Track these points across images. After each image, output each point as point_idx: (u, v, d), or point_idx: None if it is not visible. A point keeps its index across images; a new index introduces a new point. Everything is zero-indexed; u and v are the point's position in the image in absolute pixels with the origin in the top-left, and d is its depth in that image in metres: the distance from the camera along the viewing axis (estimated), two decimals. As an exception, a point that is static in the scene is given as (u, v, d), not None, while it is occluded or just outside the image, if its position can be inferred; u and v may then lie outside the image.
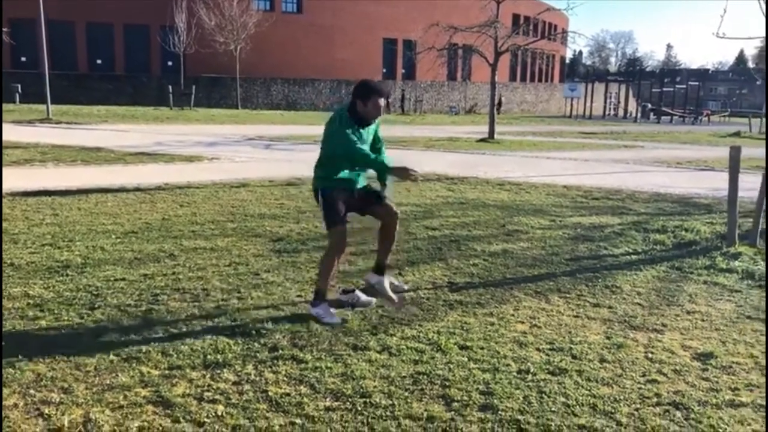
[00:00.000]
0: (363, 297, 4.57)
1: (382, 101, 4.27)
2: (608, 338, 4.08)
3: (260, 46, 39.53)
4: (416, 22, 29.22)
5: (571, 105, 49.60)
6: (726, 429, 3.01)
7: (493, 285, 5.17)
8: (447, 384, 3.35)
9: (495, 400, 3.18)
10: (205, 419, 2.94)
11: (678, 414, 3.13)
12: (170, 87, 35.37)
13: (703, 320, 4.47)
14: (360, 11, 45.88)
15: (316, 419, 2.97)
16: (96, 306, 4.36)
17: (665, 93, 52.96)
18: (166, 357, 3.58)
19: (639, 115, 49.10)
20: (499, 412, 3.07)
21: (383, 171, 4.31)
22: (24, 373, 3.33)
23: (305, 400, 3.15)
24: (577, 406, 3.16)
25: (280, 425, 2.91)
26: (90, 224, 6.85)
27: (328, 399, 3.17)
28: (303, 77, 44.18)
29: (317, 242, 6.13)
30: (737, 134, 30.32)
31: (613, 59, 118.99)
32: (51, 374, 3.33)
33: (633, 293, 5.04)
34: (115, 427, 2.86)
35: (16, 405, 3.02)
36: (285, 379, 3.37)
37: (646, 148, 20.98)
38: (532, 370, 3.54)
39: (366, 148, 4.29)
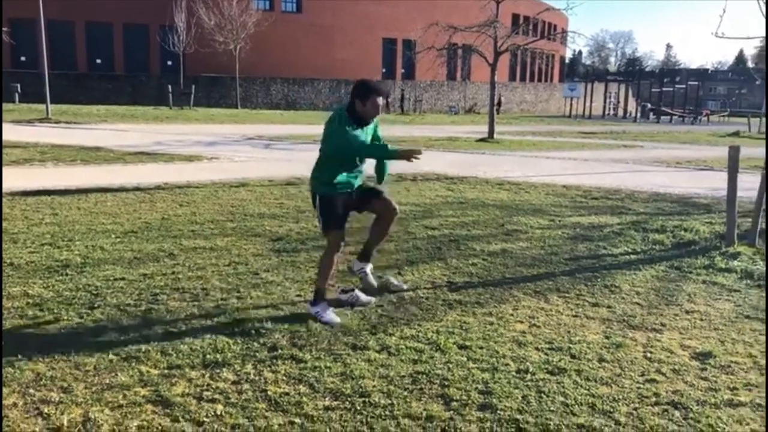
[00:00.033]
0: (362, 296, 4.57)
1: (380, 100, 4.28)
2: (607, 338, 4.08)
3: (260, 46, 39.53)
4: (416, 22, 29.20)
5: (571, 105, 49.62)
6: (724, 428, 3.02)
7: (492, 285, 5.17)
8: (446, 383, 3.35)
9: (494, 400, 3.19)
10: (205, 418, 2.94)
11: (677, 413, 3.13)
12: (170, 86, 35.37)
13: (701, 320, 4.48)
14: (359, 11, 45.88)
15: (315, 419, 2.97)
16: (95, 305, 4.36)
17: (665, 93, 52.98)
18: (166, 356, 3.58)
19: (638, 114, 49.13)
20: (498, 412, 3.07)
21: (388, 156, 4.31)
22: (23, 373, 3.33)
23: (304, 399, 3.15)
24: (576, 406, 3.16)
25: (279, 425, 2.91)
26: (89, 224, 6.86)
27: (327, 398, 3.17)
28: (302, 77, 44.18)
29: (316, 242, 6.13)
30: (736, 134, 30.34)
31: (612, 59, 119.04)
32: (50, 373, 3.33)
33: (632, 293, 5.04)
34: (115, 427, 2.86)
35: (15, 404, 3.02)
36: (284, 378, 3.38)
37: (646, 147, 20.99)
38: (531, 370, 3.55)
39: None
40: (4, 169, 10.20)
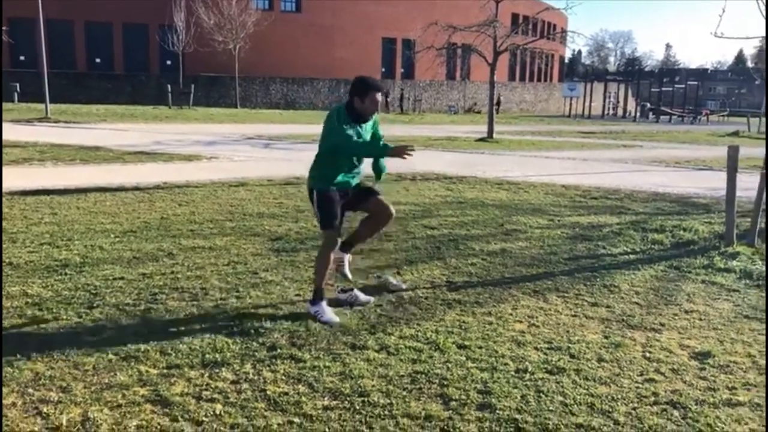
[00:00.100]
0: (361, 296, 4.57)
1: (379, 96, 4.28)
2: (606, 337, 4.08)
3: (259, 46, 39.53)
4: (415, 22, 29.20)
5: (570, 104, 49.65)
6: (723, 428, 3.02)
7: (491, 284, 5.17)
8: (445, 383, 3.35)
9: (493, 399, 3.19)
10: (204, 418, 2.94)
11: (675, 413, 3.13)
12: (169, 86, 35.35)
13: (700, 319, 4.48)
14: (359, 10, 45.88)
15: (314, 418, 2.97)
16: (94, 305, 4.36)
17: (664, 92, 53.04)
18: (165, 356, 3.58)
19: (638, 114, 49.13)
20: (497, 411, 3.07)
21: (382, 154, 4.30)
22: (23, 372, 3.33)
23: (303, 399, 3.15)
24: (575, 405, 3.17)
25: (279, 424, 2.91)
26: (89, 223, 6.85)
27: (326, 398, 3.17)
28: (302, 76, 44.18)
29: (316, 241, 6.13)
30: (736, 134, 30.35)
31: (612, 59, 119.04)
32: (49, 373, 3.33)
33: (631, 292, 5.05)
34: (114, 426, 2.86)
35: (14, 404, 3.02)
36: (283, 378, 3.38)
37: (645, 147, 21.00)
38: (530, 369, 3.55)
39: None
40: (4, 169, 10.19)
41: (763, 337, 4.16)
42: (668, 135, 28.79)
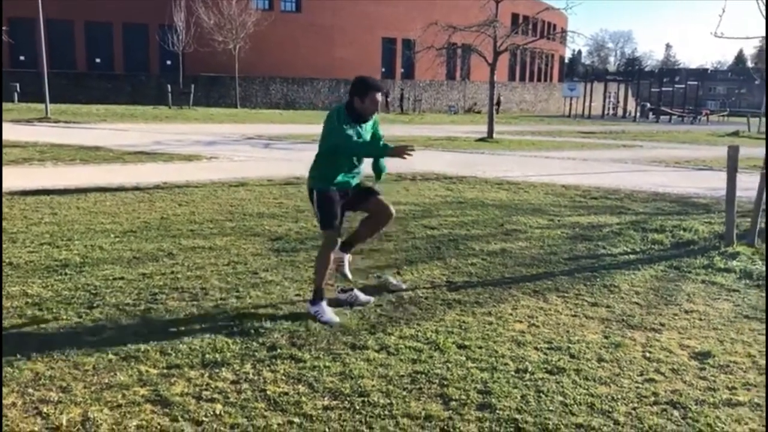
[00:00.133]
0: (361, 296, 4.57)
1: (379, 96, 4.28)
2: (606, 337, 4.08)
3: (259, 45, 39.53)
4: (415, 22, 29.20)
5: (570, 104, 49.65)
6: (723, 428, 3.02)
7: (491, 284, 5.17)
8: (445, 383, 3.35)
9: (493, 399, 3.19)
10: (204, 418, 2.94)
11: (675, 413, 3.13)
12: (169, 86, 35.35)
13: (700, 319, 4.48)
14: (359, 10, 45.88)
15: (314, 418, 2.97)
16: (94, 305, 4.36)
17: (664, 92, 53.04)
18: (165, 356, 3.58)
19: (638, 114, 49.14)
20: (497, 411, 3.07)
21: (382, 154, 4.29)
22: (23, 372, 3.33)
23: (303, 399, 3.15)
24: (575, 405, 3.17)
25: (278, 424, 2.91)
26: (88, 223, 6.85)
27: (326, 398, 3.17)
28: (302, 76, 44.18)
29: (315, 241, 6.13)
30: (736, 134, 30.35)
31: (612, 59, 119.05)
32: (49, 373, 3.33)
33: (631, 292, 5.05)
34: (114, 426, 2.86)
35: (14, 404, 3.02)
36: (283, 378, 3.38)
37: (645, 147, 21.00)
38: (530, 370, 3.55)
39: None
40: (3, 169, 10.19)
41: (763, 337, 4.16)
42: (668, 135, 28.79)
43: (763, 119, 31.57)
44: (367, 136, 4.39)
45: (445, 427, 2.93)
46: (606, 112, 53.00)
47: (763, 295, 5.05)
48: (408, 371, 3.49)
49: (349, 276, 4.68)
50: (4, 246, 5.77)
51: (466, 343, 3.90)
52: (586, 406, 3.16)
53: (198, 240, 6.27)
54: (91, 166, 11.72)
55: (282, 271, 5.30)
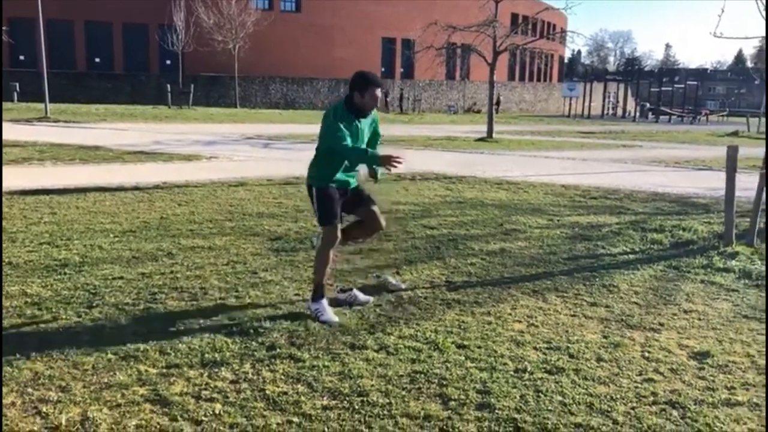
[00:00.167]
0: (361, 296, 4.57)
1: (378, 92, 4.28)
2: (605, 337, 4.09)
3: (259, 45, 39.52)
4: (415, 22, 29.20)
5: (570, 104, 49.64)
6: (722, 428, 3.02)
7: (490, 284, 5.18)
8: (444, 383, 3.35)
9: (492, 399, 3.19)
10: (203, 418, 2.94)
11: (674, 413, 3.14)
12: (169, 86, 35.34)
13: (699, 319, 4.48)
14: (359, 10, 45.87)
15: (313, 418, 2.97)
16: (94, 305, 4.36)
17: (664, 92, 53.05)
18: (164, 355, 3.59)
19: (637, 114, 49.14)
20: (496, 411, 3.07)
21: (369, 162, 4.27)
22: (22, 372, 3.33)
23: (302, 398, 3.15)
24: (574, 405, 3.17)
25: (278, 424, 2.91)
26: (88, 223, 6.85)
27: (325, 398, 3.17)
28: (301, 76, 44.18)
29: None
30: (735, 134, 30.36)
31: (611, 59, 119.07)
32: (49, 373, 3.33)
33: (630, 292, 5.05)
34: (113, 426, 2.86)
35: (14, 403, 3.02)
36: (282, 377, 3.38)
37: (645, 147, 21.01)
38: (529, 369, 3.55)
39: (360, 142, 4.30)
40: (3, 168, 10.19)
41: (762, 337, 4.16)
42: (668, 135, 28.80)
43: (763, 119, 31.60)
44: (366, 132, 4.38)
45: (444, 427, 2.93)
46: (605, 112, 53.00)
47: (762, 294, 5.06)
48: (407, 371, 3.49)
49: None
50: (3, 245, 5.77)
51: (466, 342, 3.90)
52: (585, 406, 3.17)
53: (197, 240, 6.27)
54: (90, 165, 11.72)
55: (281, 270, 5.31)
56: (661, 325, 4.35)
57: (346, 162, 4.33)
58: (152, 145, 15.64)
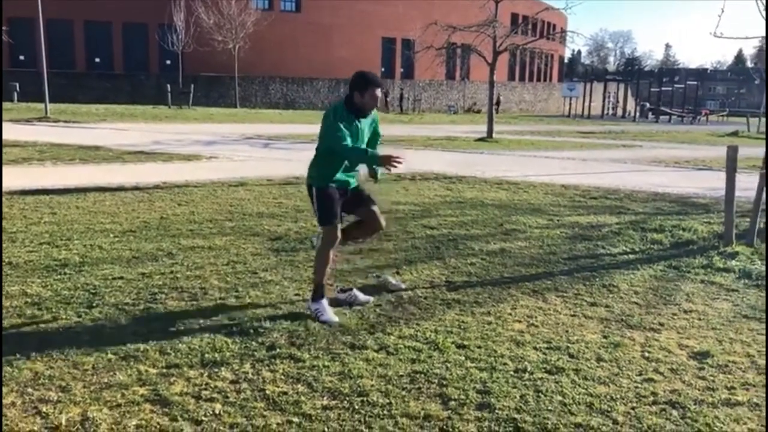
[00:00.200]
0: (361, 296, 4.57)
1: (378, 92, 4.28)
2: (605, 337, 4.09)
3: (259, 45, 39.53)
4: (415, 21, 29.23)
5: (570, 104, 49.66)
6: (722, 427, 3.02)
7: (490, 284, 5.18)
8: (444, 383, 3.35)
9: (492, 399, 3.19)
10: (203, 418, 2.94)
11: (674, 413, 3.14)
12: (169, 86, 35.35)
13: (699, 319, 4.48)
14: (358, 10, 45.88)
15: (313, 418, 2.97)
16: (94, 305, 4.36)
17: (664, 92, 53.07)
18: (164, 355, 3.59)
19: (637, 114, 49.14)
20: (496, 411, 3.07)
21: (368, 162, 4.27)
22: (22, 372, 3.33)
23: (302, 398, 3.15)
24: (574, 405, 3.17)
25: (278, 423, 2.91)
26: (88, 223, 6.85)
27: (325, 398, 3.17)
28: (301, 76, 44.19)
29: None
30: (735, 134, 30.37)
31: (611, 59, 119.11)
32: (49, 373, 3.33)
33: (630, 292, 5.05)
34: (113, 426, 2.86)
35: (14, 403, 3.02)
36: (282, 377, 3.38)
37: (645, 147, 21.01)
38: (529, 369, 3.55)
39: (360, 142, 4.31)
40: (3, 168, 10.18)
41: (762, 337, 4.16)
42: (668, 135, 28.80)
43: (763, 119, 31.61)
44: (366, 132, 4.38)
45: (444, 427, 2.93)
46: (605, 112, 53.01)
47: (762, 294, 5.06)
48: (407, 371, 3.49)
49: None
50: (3, 245, 5.77)
51: (465, 342, 3.90)
52: (585, 406, 3.17)
53: (197, 240, 6.27)
54: (90, 165, 11.72)
55: (281, 270, 5.30)
56: (661, 325, 4.35)
57: (346, 162, 4.34)
58: (152, 145, 15.64)
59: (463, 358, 3.69)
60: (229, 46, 37.72)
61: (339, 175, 4.33)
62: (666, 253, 6.36)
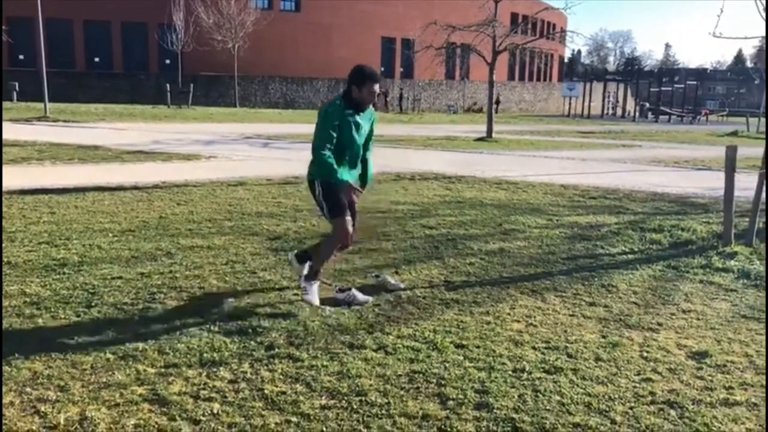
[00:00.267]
0: (360, 296, 4.57)
1: (376, 88, 4.31)
2: (604, 337, 4.09)
3: (258, 45, 39.54)
4: (414, 21, 29.23)
5: (570, 104, 49.69)
6: (720, 427, 3.02)
7: (489, 284, 5.18)
8: (442, 382, 3.36)
9: (490, 399, 3.19)
10: (201, 417, 2.94)
11: (672, 412, 3.14)
12: (168, 85, 35.35)
13: (698, 319, 4.48)
14: (358, 10, 45.89)
15: (311, 417, 2.97)
16: (93, 304, 4.36)
17: (663, 92, 53.10)
18: (163, 355, 3.59)
19: (637, 114, 49.17)
20: (494, 411, 3.08)
21: (334, 182, 4.26)
22: (20, 371, 3.33)
23: (301, 398, 3.15)
24: (572, 405, 3.17)
25: (276, 423, 2.91)
26: (87, 222, 6.85)
27: (323, 397, 3.17)
28: (301, 76, 44.19)
29: (314, 241, 6.13)
30: (735, 134, 30.39)
31: (611, 58, 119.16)
32: (47, 372, 3.33)
33: (629, 292, 5.05)
34: (111, 425, 2.86)
35: (12, 403, 3.02)
36: (281, 377, 3.38)
37: (644, 147, 21.02)
38: (527, 369, 3.55)
39: (360, 136, 4.38)
40: (2, 168, 10.18)
41: (760, 337, 4.16)
42: (667, 135, 28.81)
43: (762, 119, 31.62)
44: (365, 127, 4.43)
45: (443, 427, 2.93)
46: (605, 111, 53.03)
47: (761, 294, 5.06)
48: (406, 371, 3.49)
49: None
50: (2, 245, 5.77)
51: (464, 342, 3.90)
52: (584, 406, 3.17)
53: (196, 239, 6.27)
54: (89, 165, 11.72)
55: (280, 270, 5.30)
56: (660, 324, 4.36)
57: (347, 158, 4.36)
58: (151, 145, 15.64)
59: (462, 357, 3.69)
60: (228, 45, 37.73)
61: (341, 171, 4.34)
62: (665, 253, 6.36)
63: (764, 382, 3.50)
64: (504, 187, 10.55)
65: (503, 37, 22.08)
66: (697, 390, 3.39)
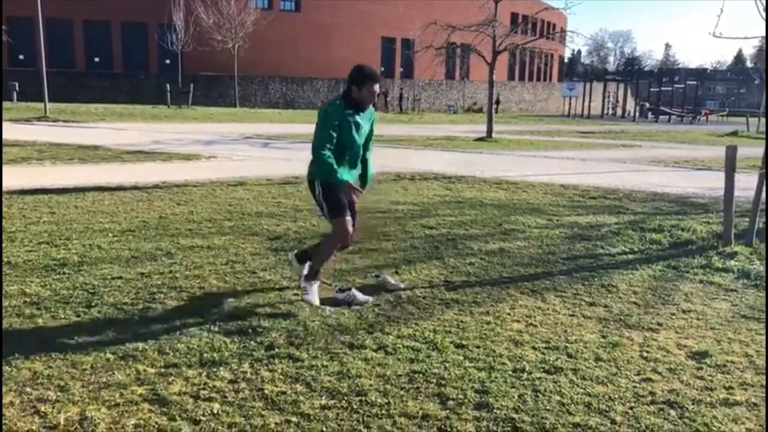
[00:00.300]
0: (359, 296, 4.57)
1: (376, 88, 4.31)
2: (604, 337, 4.09)
3: (258, 45, 39.54)
4: (414, 21, 29.23)
5: (570, 104, 49.69)
6: (720, 427, 3.02)
7: (489, 284, 5.18)
8: (442, 382, 3.36)
9: (490, 399, 3.19)
10: (201, 417, 2.94)
11: (672, 412, 3.14)
12: (168, 85, 35.36)
13: (698, 319, 4.48)
14: (358, 10, 45.89)
15: (311, 417, 2.97)
16: (92, 304, 4.36)
17: (663, 92, 53.11)
18: (163, 355, 3.59)
19: (637, 114, 49.17)
20: (494, 411, 3.08)
21: (335, 182, 4.27)
22: (20, 371, 3.33)
23: (301, 398, 3.15)
24: (572, 405, 3.17)
25: (276, 423, 2.91)
26: (87, 222, 6.85)
27: (323, 397, 3.17)
28: (301, 76, 44.19)
29: (314, 241, 6.13)
30: (735, 134, 30.39)
31: (611, 58, 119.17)
32: (47, 372, 3.33)
33: (629, 292, 5.05)
34: (111, 425, 2.86)
35: (12, 403, 3.02)
36: (281, 377, 3.38)
37: (644, 147, 21.02)
38: (527, 369, 3.55)
39: (361, 135, 4.39)
40: (3, 168, 10.18)
41: (760, 337, 4.16)
42: (667, 135, 28.81)
43: (762, 119, 31.62)
44: (365, 127, 4.43)
45: (443, 427, 2.93)
46: (605, 111, 53.03)
47: (761, 294, 5.06)
48: (405, 371, 3.49)
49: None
50: (2, 245, 5.77)
51: (464, 342, 3.90)
52: (584, 406, 3.17)
53: (196, 239, 6.27)
54: (89, 165, 11.72)
55: (280, 270, 5.30)
56: (660, 324, 4.36)
57: (347, 158, 4.36)
58: (151, 145, 15.64)
59: (462, 357, 3.69)
60: (228, 45, 37.73)
61: (341, 171, 4.34)
62: (665, 253, 6.36)
63: (764, 382, 3.50)
64: (504, 187, 10.55)
65: (503, 37, 22.08)
66: (697, 390, 3.39)
